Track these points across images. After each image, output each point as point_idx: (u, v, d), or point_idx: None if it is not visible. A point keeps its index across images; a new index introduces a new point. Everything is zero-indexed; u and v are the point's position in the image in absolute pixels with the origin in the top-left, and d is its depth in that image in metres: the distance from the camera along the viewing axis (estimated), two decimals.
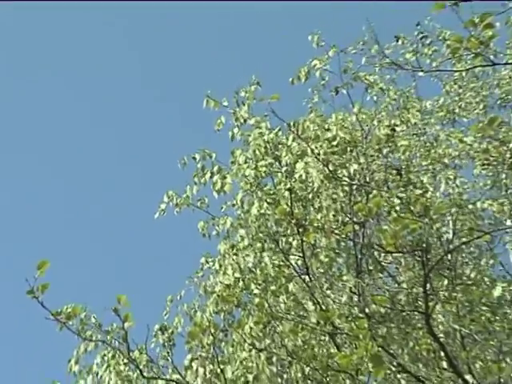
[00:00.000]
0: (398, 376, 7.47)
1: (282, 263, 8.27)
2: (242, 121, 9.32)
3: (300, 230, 6.62)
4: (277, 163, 9.05)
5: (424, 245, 6.01)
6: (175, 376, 7.58)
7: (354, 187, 8.57)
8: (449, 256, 7.52)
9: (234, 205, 9.26)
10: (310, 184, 8.71)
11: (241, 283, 8.33)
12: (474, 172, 10.41)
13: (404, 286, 8.21)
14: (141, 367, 7.72)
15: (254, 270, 8.41)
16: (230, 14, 19.82)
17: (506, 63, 9.03)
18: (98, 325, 7.23)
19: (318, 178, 8.64)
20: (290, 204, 7.22)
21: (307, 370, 7.70)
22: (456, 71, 10.66)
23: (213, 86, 10.08)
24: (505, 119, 10.53)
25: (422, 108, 10.99)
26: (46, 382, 9.16)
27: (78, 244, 18.83)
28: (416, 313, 7.40)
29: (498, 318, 7.85)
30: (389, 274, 8.79)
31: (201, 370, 8.42)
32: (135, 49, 21.02)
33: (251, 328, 7.89)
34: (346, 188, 8.61)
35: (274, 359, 8.10)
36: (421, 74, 10.83)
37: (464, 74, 11.25)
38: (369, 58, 9.74)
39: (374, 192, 8.25)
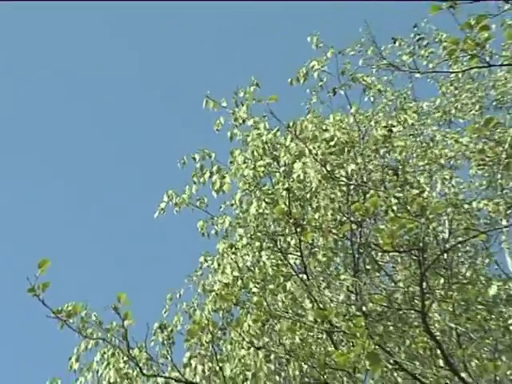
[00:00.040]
0: (395, 374, 7.47)
1: (280, 262, 8.27)
2: (240, 121, 9.32)
3: (298, 229, 6.61)
4: (275, 163, 9.05)
5: (420, 244, 6.01)
6: (174, 374, 7.58)
7: (352, 187, 8.57)
8: (445, 255, 7.52)
9: (232, 204, 9.26)
10: (308, 184, 8.71)
11: (239, 282, 8.33)
12: (469, 172, 10.43)
13: (401, 284, 8.21)
14: (140, 365, 7.72)
15: (252, 268, 8.41)
16: (230, 15, 19.82)
17: (502, 64, 9.05)
18: (99, 323, 7.22)
19: (316, 178, 8.64)
20: (288, 204, 7.21)
21: (305, 367, 7.70)
22: (452, 73, 10.68)
23: (212, 86, 10.08)
24: (500, 120, 10.54)
25: (418, 109, 11.00)
26: (46, 380, 9.14)
27: (79, 243, 18.84)
28: (412, 311, 7.40)
29: (493, 316, 7.86)
30: (386, 273, 8.79)
31: (199, 368, 8.43)
32: (135, 49, 21.01)
33: (249, 326, 7.89)
34: (344, 188, 8.61)
35: (272, 357, 8.10)
36: (417, 75, 10.85)
37: (460, 75, 11.26)
38: (366, 60, 9.75)
39: (371, 192, 8.25)
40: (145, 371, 7.99)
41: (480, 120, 10.46)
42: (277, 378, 8.14)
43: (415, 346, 7.23)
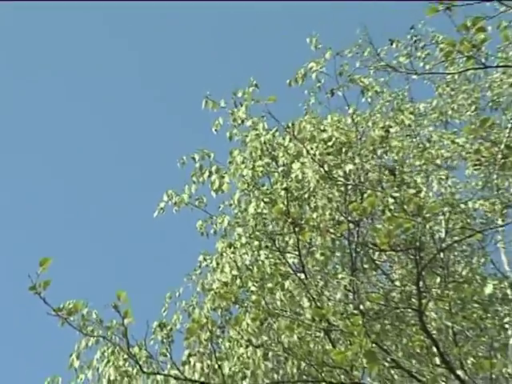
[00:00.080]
0: (392, 372, 7.48)
1: (278, 261, 8.27)
2: (239, 121, 9.33)
3: (296, 228, 6.61)
4: (273, 163, 9.06)
5: (417, 243, 6.01)
6: (174, 372, 7.58)
7: (349, 187, 8.58)
8: (441, 254, 7.52)
9: (231, 204, 9.27)
10: (306, 184, 8.72)
11: (238, 281, 8.34)
12: (466, 172, 10.44)
13: (398, 283, 8.22)
14: (140, 363, 7.72)
15: (251, 267, 8.41)
16: (229, 15, 19.83)
17: (498, 66, 9.05)
18: (99, 320, 7.23)
19: (314, 178, 8.65)
20: (286, 203, 7.20)
21: (303, 365, 7.71)
22: (448, 74, 10.70)
23: (211, 86, 10.08)
24: (496, 121, 10.55)
25: (415, 110, 11.00)
26: (47, 377, 9.14)
27: (79, 242, 18.82)
28: (409, 310, 7.41)
29: (489, 315, 7.87)
30: (383, 272, 8.80)
31: (198, 366, 8.43)
32: (135, 49, 20.97)
33: (248, 324, 7.89)
34: (342, 188, 8.62)
35: (270, 355, 8.10)
36: (414, 76, 10.86)
37: (456, 76, 11.27)
38: (363, 62, 9.76)
39: (369, 192, 8.25)
40: (144, 369, 7.99)
41: (476, 121, 10.47)
42: (275, 375, 8.14)
43: (412, 344, 7.24)
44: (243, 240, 8.77)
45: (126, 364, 8.76)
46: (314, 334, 7.75)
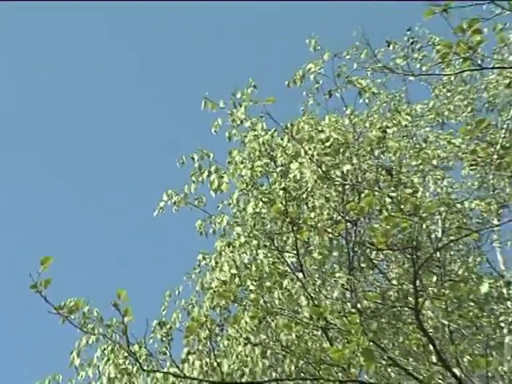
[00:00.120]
0: (389, 369, 7.48)
1: (276, 260, 8.27)
2: (238, 122, 9.34)
3: (294, 228, 6.61)
4: (272, 163, 9.06)
5: (414, 243, 6.02)
6: (173, 369, 7.58)
7: (347, 187, 8.58)
8: (438, 253, 7.52)
9: (230, 203, 9.27)
10: (304, 184, 8.72)
11: (237, 279, 8.34)
12: (462, 172, 10.44)
13: (394, 282, 8.22)
14: (140, 361, 7.72)
15: (249, 266, 8.42)
16: (229, 17, 19.83)
17: (494, 67, 9.06)
18: (100, 319, 7.23)
19: (312, 178, 8.66)
20: (284, 203, 7.21)
21: (301, 363, 7.71)
22: (445, 75, 10.70)
23: (211, 86, 10.09)
24: (492, 122, 10.55)
25: (412, 111, 11.01)
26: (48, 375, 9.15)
27: (79, 241, 18.82)
28: (406, 308, 7.41)
29: (485, 313, 7.87)
30: (380, 271, 8.80)
31: (197, 363, 8.43)
32: (135, 49, 20.94)
33: (247, 323, 7.89)
34: (339, 188, 8.62)
35: (269, 353, 8.10)
36: (411, 78, 10.87)
37: (453, 78, 11.27)
38: (360, 63, 9.77)
39: (366, 191, 8.25)
40: (144, 367, 7.99)
41: (472, 122, 10.47)
42: (273, 373, 8.14)
43: (409, 343, 7.24)
44: (242, 239, 8.77)
45: (126, 362, 8.77)
46: (312, 333, 7.75)
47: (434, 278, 7.60)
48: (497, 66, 9.34)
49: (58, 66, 20.04)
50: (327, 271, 8.48)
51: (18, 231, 19.09)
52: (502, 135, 10.52)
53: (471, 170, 9.93)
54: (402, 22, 11.00)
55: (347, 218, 8.31)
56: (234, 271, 8.54)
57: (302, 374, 7.72)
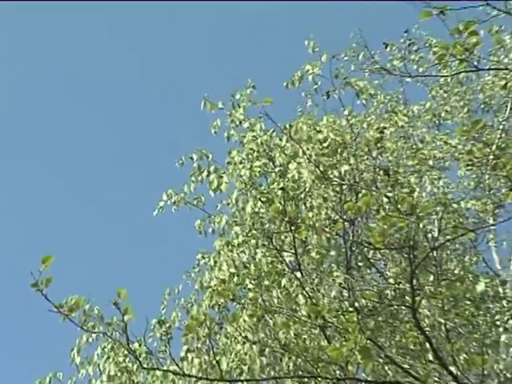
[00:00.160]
0: (386, 367, 7.48)
1: (275, 259, 8.27)
2: (237, 122, 9.34)
3: (292, 227, 6.61)
4: (271, 164, 9.07)
5: (411, 242, 6.01)
6: (173, 367, 7.59)
7: (344, 187, 8.59)
8: (434, 253, 7.52)
9: (229, 203, 9.27)
10: (302, 184, 8.72)
11: (235, 278, 8.34)
12: (458, 173, 10.45)
13: (392, 281, 8.22)
14: (140, 359, 7.73)
15: (248, 265, 8.42)
16: (229, 18, 19.82)
17: (490, 69, 9.06)
18: (101, 317, 7.23)
19: (310, 178, 8.66)
20: (282, 203, 7.21)
21: (299, 361, 7.71)
22: (442, 77, 10.70)
23: (210, 86, 10.09)
24: (488, 122, 10.57)
25: (409, 112, 11.02)
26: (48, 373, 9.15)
27: (79, 241, 18.79)
28: (403, 307, 7.41)
29: (481, 312, 7.88)
30: (377, 270, 8.80)
31: (196, 361, 8.43)
32: (135, 49, 20.90)
33: (245, 321, 7.89)
34: (337, 188, 8.62)
35: (267, 351, 8.10)
36: (408, 79, 10.88)
37: (449, 79, 11.29)
38: (358, 65, 9.77)
39: (364, 191, 8.26)
40: (144, 365, 7.99)
41: (468, 122, 10.48)
42: (272, 372, 8.14)
43: (406, 341, 7.24)
44: (241, 238, 8.77)
45: (127, 360, 8.77)
46: (310, 331, 7.75)
47: (431, 277, 7.60)
48: (493, 67, 9.33)
49: (58, 66, 20.01)
50: (325, 270, 8.48)
51: (19, 231, 19.08)
52: (498, 136, 10.54)
53: (467, 170, 9.94)
54: (399, 23, 11.00)
55: (345, 217, 8.32)
56: (232, 270, 8.54)
57: (300, 372, 7.72)
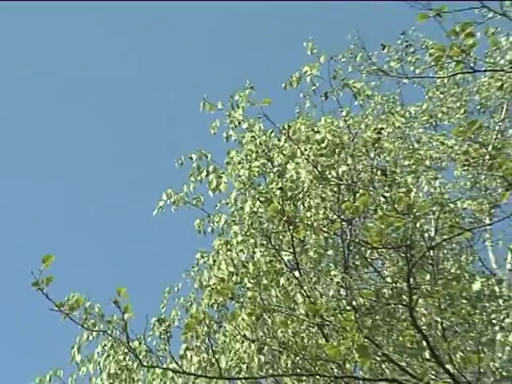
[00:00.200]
0: (383, 365, 7.48)
1: (273, 258, 8.27)
2: (236, 123, 9.34)
3: (291, 227, 6.62)
4: (269, 164, 9.06)
5: (408, 241, 6.02)
6: (172, 365, 7.58)
7: (342, 187, 8.58)
8: (431, 252, 7.51)
9: (228, 203, 9.26)
10: (301, 184, 8.72)
11: (234, 277, 8.34)
12: (454, 173, 10.46)
13: (389, 280, 8.22)
14: (140, 357, 7.72)
15: (247, 264, 8.41)
16: (228, 19, 19.81)
17: (486, 70, 9.05)
18: (101, 315, 7.22)
19: (308, 179, 8.66)
20: (281, 202, 7.22)
21: (297, 359, 7.71)
22: (438, 78, 10.70)
23: (210, 87, 10.08)
24: (484, 123, 10.57)
25: (406, 113, 11.02)
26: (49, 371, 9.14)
27: (80, 241, 18.78)
28: (400, 306, 7.41)
29: (477, 310, 7.87)
30: (374, 269, 8.80)
31: (195, 359, 8.43)
32: (135, 49, 20.87)
33: (244, 320, 7.89)
34: (334, 188, 8.62)
35: (266, 349, 8.10)
36: (405, 80, 10.88)
37: (446, 80, 11.29)
38: (355, 66, 9.78)
39: (361, 191, 8.26)
40: (144, 363, 7.99)
41: (465, 123, 10.49)
42: (270, 370, 8.14)
43: (403, 339, 7.24)
44: (239, 238, 8.77)
45: (127, 358, 8.76)
46: (308, 329, 7.75)
47: (428, 276, 7.60)
48: (489, 68, 9.33)
49: (58, 66, 19.97)
50: (323, 269, 8.48)
51: (19, 231, 19.05)
52: (494, 136, 10.56)
53: (464, 170, 9.94)
54: (396, 25, 11.00)
55: (342, 217, 8.31)
56: (231, 269, 8.54)
57: (299, 370, 7.72)
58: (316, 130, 9.04)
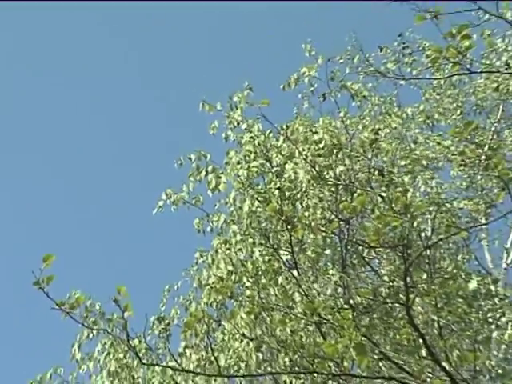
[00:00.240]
0: (380, 363, 7.48)
1: (271, 257, 8.27)
2: (235, 124, 9.34)
3: (289, 226, 6.61)
4: (267, 164, 9.07)
5: (405, 241, 6.01)
6: (172, 363, 7.59)
7: (340, 187, 8.59)
8: (428, 251, 7.53)
9: (227, 202, 9.26)
10: (299, 184, 8.73)
11: (233, 276, 8.34)
12: (451, 173, 10.47)
13: (386, 279, 8.22)
14: (140, 355, 7.72)
15: (245, 263, 8.41)
16: (228, 20, 19.80)
17: (482, 71, 9.06)
18: (102, 313, 7.24)
19: (306, 179, 8.66)
20: (279, 202, 7.22)
21: (295, 357, 7.71)
22: (435, 79, 10.72)
23: (209, 87, 10.08)
24: (480, 124, 10.58)
25: (402, 114, 11.03)
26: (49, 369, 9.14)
27: (80, 240, 18.77)
28: (397, 304, 7.41)
29: (473, 309, 7.87)
30: (372, 268, 8.80)
31: (194, 357, 8.44)
32: (135, 49, 20.83)
33: (243, 318, 7.89)
34: (332, 188, 8.63)
35: (264, 348, 8.10)
36: (402, 82, 10.89)
37: (442, 82, 11.30)
38: (353, 68, 9.79)
39: (358, 191, 8.26)
40: (144, 361, 7.99)
41: (461, 124, 10.50)
42: (268, 368, 8.14)
43: (400, 338, 7.24)
44: (238, 237, 8.77)
45: (127, 356, 8.77)
46: (306, 328, 7.75)
47: (424, 275, 7.60)
48: (485, 70, 9.34)
49: (58, 66, 19.91)
50: (321, 268, 8.48)
51: (19, 230, 19.03)
52: (490, 137, 10.57)
53: (460, 170, 9.96)
54: (393, 27, 11.00)
55: (340, 216, 8.32)
56: (230, 268, 8.54)
57: (297, 368, 7.72)
58: (314, 130, 9.04)
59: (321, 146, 8.77)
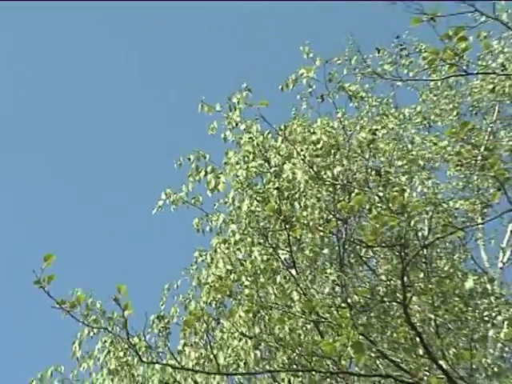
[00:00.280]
0: (378, 362, 7.48)
1: (270, 257, 8.27)
2: (234, 124, 9.34)
3: (287, 226, 6.61)
4: (266, 164, 9.07)
5: (402, 240, 6.01)
6: (172, 362, 7.58)
7: (337, 187, 8.59)
8: (424, 251, 7.51)
9: (226, 202, 9.26)
10: (297, 184, 8.73)
11: (232, 275, 8.34)
12: (447, 173, 10.47)
13: (383, 278, 8.22)
14: (140, 353, 7.72)
15: (244, 262, 8.41)
16: (227, 21, 19.79)
17: (478, 73, 9.07)
18: (102, 312, 7.24)
19: (304, 179, 8.66)
20: (278, 202, 7.21)
21: (293, 355, 7.71)
22: (432, 81, 10.72)
23: (208, 88, 10.08)
24: (476, 125, 10.58)
25: (399, 115, 11.04)
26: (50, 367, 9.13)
27: (81, 240, 18.75)
28: (394, 303, 7.41)
29: (469, 308, 7.87)
30: (369, 268, 8.80)
31: (193, 355, 8.43)
32: (135, 49, 20.79)
33: (241, 317, 7.89)
34: (330, 188, 8.62)
35: (262, 345, 8.10)
36: (399, 83, 10.90)
37: (439, 83, 11.30)
38: (350, 69, 9.79)
39: (356, 191, 8.26)
40: (144, 359, 7.98)
41: (457, 125, 10.50)
42: (267, 366, 8.14)
43: (397, 336, 7.24)
44: (237, 236, 8.77)
45: (127, 354, 8.76)
46: (304, 326, 7.75)
47: (421, 274, 7.60)
48: (481, 71, 9.35)
49: (58, 66, 19.86)
50: (319, 267, 8.48)
51: (19, 230, 19.01)
52: (486, 137, 10.56)
53: (456, 170, 9.96)
54: (391, 29, 11.00)
55: (338, 216, 8.31)
56: (229, 267, 8.53)
57: (295, 366, 7.72)
58: (312, 131, 9.04)
59: (319, 146, 8.77)
